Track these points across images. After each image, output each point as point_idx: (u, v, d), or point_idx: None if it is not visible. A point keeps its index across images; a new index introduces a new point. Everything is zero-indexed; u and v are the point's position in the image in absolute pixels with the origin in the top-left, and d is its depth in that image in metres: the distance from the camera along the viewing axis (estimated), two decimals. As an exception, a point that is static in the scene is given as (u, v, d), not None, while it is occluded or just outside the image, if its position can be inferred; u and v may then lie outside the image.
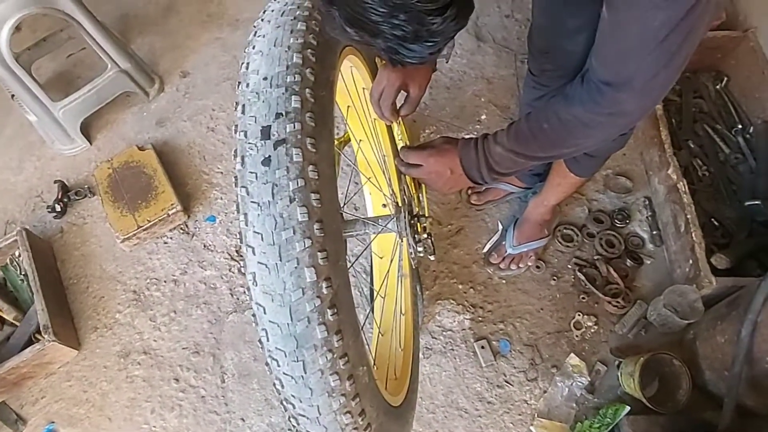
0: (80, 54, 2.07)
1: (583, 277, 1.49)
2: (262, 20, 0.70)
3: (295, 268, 0.58)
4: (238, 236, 1.68)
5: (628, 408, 1.26)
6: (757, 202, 1.45)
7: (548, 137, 0.82)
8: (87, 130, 1.88)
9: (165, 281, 1.63)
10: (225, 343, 1.52)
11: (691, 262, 1.36)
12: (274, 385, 0.64)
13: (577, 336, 1.45)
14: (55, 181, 1.77)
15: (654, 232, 1.56)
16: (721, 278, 1.28)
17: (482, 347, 1.44)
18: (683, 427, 1.22)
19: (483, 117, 1.82)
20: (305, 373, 0.60)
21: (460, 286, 1.54)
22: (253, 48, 0.67)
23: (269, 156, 0.59)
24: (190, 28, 2.13)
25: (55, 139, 1.84)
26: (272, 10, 0.71)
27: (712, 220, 1.50)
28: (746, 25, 1.67)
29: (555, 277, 1.53)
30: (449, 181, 0.94)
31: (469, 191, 1.66)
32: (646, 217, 1.60)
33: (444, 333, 1.48)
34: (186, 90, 1.98)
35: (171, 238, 1.69)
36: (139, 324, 1.57)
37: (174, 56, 2.06)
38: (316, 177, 0.61)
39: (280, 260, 0.58)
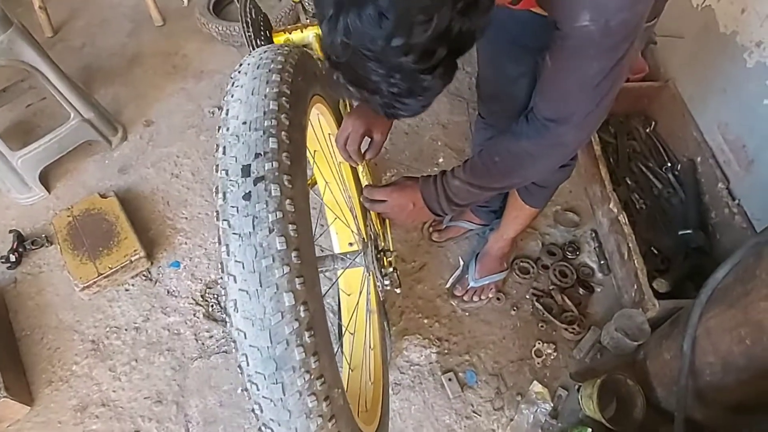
0: (40, 104, 2.07)
1: (540, 307, 1.58)
2: (239, 72, 0.77)
3: (275, 293, 0.61)
4: (203, 281, 1.68)
5: (589, 430, 1.32)
6: (689, 231, 1.60)
7: (499, 169, 0.92)
8: (45, 178, 1.86)
9: (126, 329, 1.59)
10: (189, 389, 1.48)
11: (635, 287, 1.47)
12: (253, 410, 0.65)
13: (538, 363, 1.51)
14: (10, 231, 1.73)
15: (602, 262, 1.68)
16: (663, 301, 1.40)
17: (449, 379, 1.47)
18: (641, 445, 1.29)
19: (440, 160, 1.93)
20: (284, 395, 0.62)
21: (426, 321, 1.59)
22: (232, 96, 0.74)
23: (249, 191, 0.65)
24: (154, 79, 2.18)
25: (11, 188, 1.81)
26: (248, 64, 0.78)
27: (652, 248, 1.63)
28: (666, 76, 1.89)
29: (515, 308, 1.61)
30: (411, 213, 1.01)
31: (431, 229, 1.75)
32: (594, 248, 1.72)
33: (412, 367, 1.51)
34: (150, 138, 2.00)
35: (133, 284, 1.67)
36: (98, 375, 1.51)
37: (138, 105, 2.09)
38: (293, 210, 0.66)
39: (261, 286, 0.61)
